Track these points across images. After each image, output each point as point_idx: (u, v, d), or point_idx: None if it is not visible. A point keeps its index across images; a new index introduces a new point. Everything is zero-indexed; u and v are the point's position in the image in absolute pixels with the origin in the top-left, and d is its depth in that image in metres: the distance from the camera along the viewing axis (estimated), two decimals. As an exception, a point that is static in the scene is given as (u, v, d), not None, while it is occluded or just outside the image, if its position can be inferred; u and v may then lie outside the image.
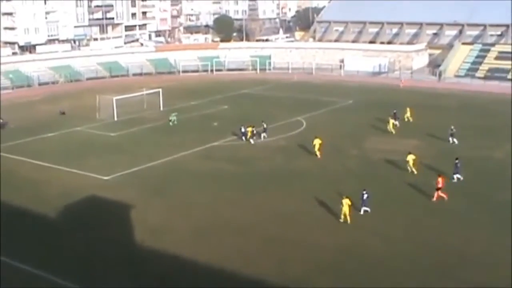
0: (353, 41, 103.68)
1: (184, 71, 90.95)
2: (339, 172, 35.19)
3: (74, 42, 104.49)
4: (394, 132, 44.52)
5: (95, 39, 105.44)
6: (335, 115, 53.45)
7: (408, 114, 49.78)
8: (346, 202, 26.82)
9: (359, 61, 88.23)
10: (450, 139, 40.57)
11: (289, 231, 26.43)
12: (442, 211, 28.28)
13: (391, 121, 44.87)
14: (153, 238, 25.73)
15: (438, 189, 29.29)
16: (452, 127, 41.17)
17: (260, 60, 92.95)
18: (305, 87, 73.91)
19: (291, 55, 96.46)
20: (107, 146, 42.58)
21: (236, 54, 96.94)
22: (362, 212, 27.69)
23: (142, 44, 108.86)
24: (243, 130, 42.91)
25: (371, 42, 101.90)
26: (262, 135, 43.61)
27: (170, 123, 51.08)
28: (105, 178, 34.40)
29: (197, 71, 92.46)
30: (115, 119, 52.40)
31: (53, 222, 27.53)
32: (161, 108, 57.73)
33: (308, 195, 30.91)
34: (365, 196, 27.73)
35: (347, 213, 26.74)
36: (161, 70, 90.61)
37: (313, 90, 71.06)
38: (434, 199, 29.26)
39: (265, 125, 44.05)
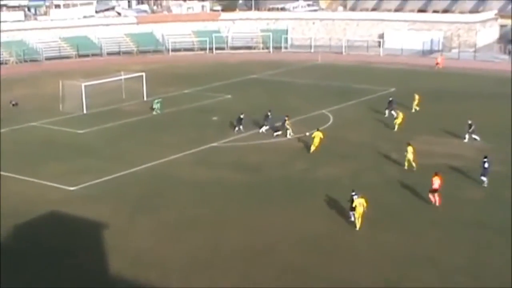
0: (396, 10, 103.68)
1: (174, 50, 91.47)
2: (376, 182, 35.03)
3: (29, 9, 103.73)
4: (396, 127, 45.30)
5: (57, 6, 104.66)
6: (371, 107, 53.39)
7: (416, 102, 51.33)
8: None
9: (404, 36, 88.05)
10: (467, 136, 42.40)
11: (312, 260, 26.25)
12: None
13: (400, 114, 45.60)
14: (134, 270, 25.48)
15: (433, 191, 31.21)
16: (470, 121, 42.64)
17: (273, 36, 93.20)
18: (333, 71, 73.95)
19: (314, 29, 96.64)
20: (74, 147, 42.68)
21: (242, 27, 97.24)
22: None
23: (119, 14, 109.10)
24: (238, 119, 44.55)
25: (420, 11, 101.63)
26: (262, 128, 44.59)
27: (154, 112, 52.08)
28: (71, 189, 34.42)
29: (191, 49, 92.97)
30: (84, 111, 52.64)
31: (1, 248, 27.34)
32: (145, 98, 58.07)
33: (336, 212, 30.81)
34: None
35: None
36: (144, 48, 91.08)
37: (342, 74, 71.05)
38: (433, 201, 31.28)
39: (269, 114, 45.15)
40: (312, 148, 40.29)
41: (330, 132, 45.30)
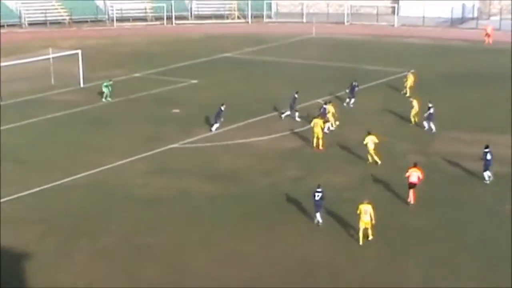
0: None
1: (121, 20, 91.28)
2: (389, 194, 34.95)
3: None
4: (413, 120, 45.83)
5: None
6: (384, 95, 53.48)
7: (409, 83, 53.22)
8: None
9: (425, 1, 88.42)
10: (426, 123, 44.81)
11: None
12: None
13: (414, 103, 46.06)
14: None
15: (411, 185, 33.52)
16: (430, 104, 44.68)
17: (253, 2, 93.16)
18: (331, 48, 74.13)
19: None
20: (-14, 150, 42.26)
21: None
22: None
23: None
24: (218, 111, 44.97)
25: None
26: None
27: (103, 99, 52.64)
28: (-18, 206, 33.93)
29: (144, 19, 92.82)
30: None
31: None
32: (81, 84, 57.97)
33: (337, 234, 30.72)
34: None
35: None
36: (80, 17, 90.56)
37: (344, 52, 71.21)
38: (409, 200, 33.63)
39: (296, 95, 47.47)
40: (315, 141, 40.97)
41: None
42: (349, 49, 73.21)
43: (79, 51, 59.17)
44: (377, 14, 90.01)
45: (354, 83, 51.81)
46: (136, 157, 40.85)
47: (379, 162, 38.82)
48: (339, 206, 33.27)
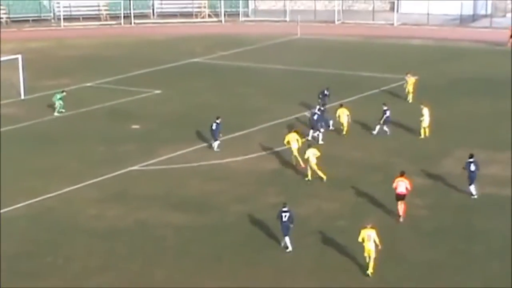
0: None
1: (69, 18, 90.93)
2: (390, 223, 35.10)
3: None
4: (422, 133, 46.89)
5: None
6: (380, 106, 53.56)
7: (410, 88, 55.03)
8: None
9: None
10: (378, 127, 47.93)
11: None
12: None
13: (424, 112, 46.90)
14: None
15: (399, 197, 34.95)
16: (385, 107, 47.67)
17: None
18: (320, 51, 74.30)
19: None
20: None
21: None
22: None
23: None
24: (214, 127, 45.51)
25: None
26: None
27: (55, 113, 52.82)
28: None
29: (97, 18, 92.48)
30: None
31: None
32: (22, 95, 57.86)
33: (329, 272, 30.73)
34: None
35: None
36: (20, 16, 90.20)
37: (335, 56, 71.44)
38: (398, 216, 35.17)
39: (326, 92, 50.85)
40: (311, 173, 40.46)
41: (317, 146, 45.25)
42: (341, 52, 73.44)
43: (20, 56, 58.97)
44: (373, 11, 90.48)
45: (325, 91, 52.66)
46: (88, 182, 40.67)
47: (324, 178, 39.91)
48: (330, 237, 33.27)
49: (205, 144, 46.20)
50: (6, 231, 34.89)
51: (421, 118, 46.64)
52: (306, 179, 40.23)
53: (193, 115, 52.13)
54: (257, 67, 67.03)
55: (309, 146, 40.52)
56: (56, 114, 53.16)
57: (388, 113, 47.44)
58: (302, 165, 40.89)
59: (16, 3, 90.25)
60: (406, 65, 63.53)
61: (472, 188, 37.66)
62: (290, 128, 46.36)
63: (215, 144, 45.66)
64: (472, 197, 37.62)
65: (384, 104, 48.25)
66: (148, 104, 55.65)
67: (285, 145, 41.87)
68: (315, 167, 39.88)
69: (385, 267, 30.62)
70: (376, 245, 29.88)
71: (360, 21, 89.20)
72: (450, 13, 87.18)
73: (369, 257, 29.95)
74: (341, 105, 41.86)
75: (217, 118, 45.81)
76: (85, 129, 50.05)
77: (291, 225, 32.26)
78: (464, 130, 48.37)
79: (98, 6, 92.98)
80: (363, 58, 70.28)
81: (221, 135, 45.79)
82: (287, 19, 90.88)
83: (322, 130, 46.61)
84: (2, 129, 49.85)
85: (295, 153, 41.26)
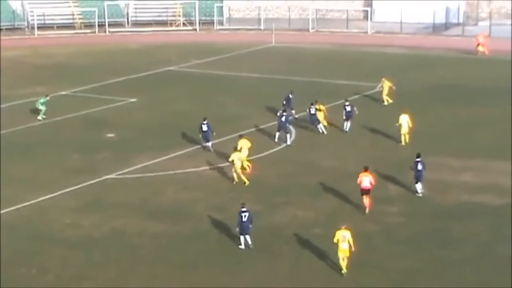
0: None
1: (43, 27, 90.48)
2: (367, 231, 35.10)
3: None
4: (403, 140, 46.97)
5: None
6: (358, 113, 53.69)
7: (386, 90, 56.05)
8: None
9: (405, 3, 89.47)
10: (345, 124, 50.01)
11: None
12: None
13: (402, 120, 46.86)
14: None
15: (363, 192, 36.64)
16: (347, 103, 49.94)
17: (201, 6, 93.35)
18: (294, 59, 74.38)
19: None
20: None
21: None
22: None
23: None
24: (205, 128, 46.32)
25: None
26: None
27: (39, 117, 53.02)
28: None
29: (71, 26, 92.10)
30: None
31: None
32: (-4, 104, 57.33)
33: (307, 279, 30.72)
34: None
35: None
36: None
37: (309, 64, 71.50)
38: (364, 208, 36.82)
39: (290, 95, 52.12)
40: (237, 177, 41.13)
41: (293, 154, 45.17)
42: (315, 60, 73.48)
43: (-7, 65, 58.48)
44: (347, 19, 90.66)
45: (289, 95, 52.93)
46: (63, 191, 40.48)
47: (247, 182, 40.60)
48: (306, 244, 33.29)
49: (179, 152, 45.96)
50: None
51: (397, 124, 46.70)
52: (234, 182, 41.05)
53: (168, 123, 51.93)
54: (232, 75, 66.95)
55: (240, 137, 42.04)
56: (39, 118, 53.17)
57: (348, 108, 49.66)
58: (247, 182, 40.90)
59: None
60: (380, 73, 63.60)
61: (418, 186, 38.94)
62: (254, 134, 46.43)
63: (210, 145, 46.16)
64: (417, 194, 38.87)
65: (346, 100, 50.67)
66: (123, 113, 55.41)
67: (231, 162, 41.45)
68: (239, 171, 40.73)
69: (361, 274, 30.67)
70: (350, 246, 30.30)
71: (334, 30, 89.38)
72: (423, 22, 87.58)
73: (343, 258, 30.41)
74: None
75: (204, 120, 46.21)
76: (60, 138, 49.80)
77: (250, 225, 32.97)
78: (437, 137, 48.51)
79: (72, 14, 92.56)
80: (338, 66, 70.39)
81: (214, 133, 46.43)
82: (262, 27, 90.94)
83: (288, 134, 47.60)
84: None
85: (238, 170, 41.08)
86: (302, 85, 62.09)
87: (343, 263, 30.49)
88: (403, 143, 46.71)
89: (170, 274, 31.37)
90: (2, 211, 37.66)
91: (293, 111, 51.92)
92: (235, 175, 40.95)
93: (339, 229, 30.75)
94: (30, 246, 34.10)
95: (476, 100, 57.03)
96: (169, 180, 42.22)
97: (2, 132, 50.91)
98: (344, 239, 30.43)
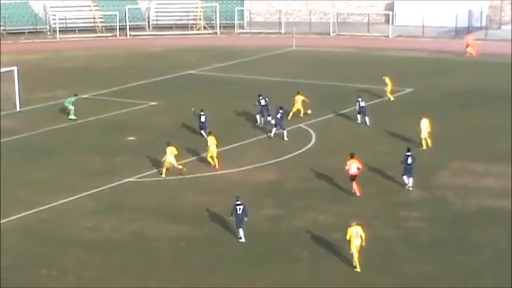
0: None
1: (64, 30, 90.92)
2: (388, 237, 35.00)
3: None
4: (424, 144, 46.79)
5: None
6: (376, 118, 53.56)
7: (390, 87, 58.74)
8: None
9: (426, 7, 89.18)
10: (359, 117, 52.61)
11: None
12: None
13: (424, 123, 47.08)
14: None
15: (352, 177, 39.10)
16: (360, 98, 52.67)
17: (222, 8, 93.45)
18: (315, 63, 74.28)
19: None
20: None
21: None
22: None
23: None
24: (203, 119, 49.63)
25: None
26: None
27: (71, 117, 54.33)
28: None
29: (92, 30, 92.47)
30: None
31: None
32: (18, 108, 57.68)
33: (332, 279, 30.60)
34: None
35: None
36: (16, 28, 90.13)
37: (330, 68, 71.42)
38: (353, 192, 39.29)
39: (264, 99, 52.39)
40: (210, 159, 43.80)
41: (312, 158, 45.14)
42: (336, 64, 73.31)
43: (15, 68, 58.73)
44: (368, 23, 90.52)
45: (264, 98, 53.02)
46: (83, 194, 40.54)
47: (164, 176, 42.65)
48: (326, 249, 33.29)
49: (198, 156, 46.01)
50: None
51: (417, 128, 46.65)
52: (161, 177, 42.86)
53: (188, 126, 51.94)
54: (252, 79, 66.90)
55: (168, 144, 42.96)
56: (71, 117, 54.36)
57: (362, 103, 52.13)
58: (213, 164, 43.62)
59: (11, 14, 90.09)
60: (401, 77, 63.59)
61: (406, 179, 40.28)
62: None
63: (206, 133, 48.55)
64: (406, 187, 40.11)
65: (359, 96, 52.88)
66: (144, 116, 55.50)
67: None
68: (173, 164, 42.61)
69: (381, 279, 30.59)
70: (362, 240, 30.99)
71: (355, 33, 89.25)
72: (445, 25, 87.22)
73: (356, 254, 30.83)
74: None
75: (202, 111, 49.45)
76: (81, 141, 49.91)
77: (246, 218, 33.82)
78: (458, 143, 48.22)
79: (94, 18, 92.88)
80: (359, 70, 70.20)
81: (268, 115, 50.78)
82: (283, 31, 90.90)
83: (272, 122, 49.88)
84: (-3, 141, 49.80)
85: (213, 154, 43.59)
86: (322, 89, 62.08)
87: (357, 260, 31.01)
88: (424, 147, 46.50)
89: (189, 278, 31.38)
90: (22, 214, 37.84)
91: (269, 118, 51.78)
92: (164, 170, 42.87)
93: (351, 225, 31.43)
94: (50, 249, 34.22)
95: (497, 105, 56.61)
96: (188, 183, 42.26)
97: (23, 135, 51.18)
98: (357, 235, 31.08)
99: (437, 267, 31.85)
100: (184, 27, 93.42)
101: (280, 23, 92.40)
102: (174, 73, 69.94)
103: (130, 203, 39.46)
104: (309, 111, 53.44)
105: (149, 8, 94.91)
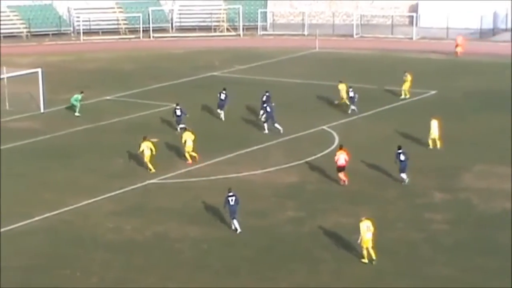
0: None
1: (88, 32, 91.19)
2: (413, 239, 34.92)
3: None
4: (431, 143, 47.22)
5: None
6: (398, 121, 53.53)
7: (407, 86, 60.38)
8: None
9: (451, 8, 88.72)
10: (353, 107, 55.67)
11: None
12: None
13: (433, 125, 47.46)
14: None
15: (340, 168, 41.00)
16: (351, 89, 56.17)
17: (245, 10, 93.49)
18: (338, 65, 74.11)
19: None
20: None
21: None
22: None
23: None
24: (223, 97, 54.17)
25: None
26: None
27: (76, 113, 55.32)
28: None
29: (116, 32, 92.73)
30: None
31: None
32: (42, 109, 57.96)
33: (348, 284, 30.62)
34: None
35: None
36: (40, 30, 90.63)
37: (353, 70, 71.24)
38: (343, 182, 41.21)
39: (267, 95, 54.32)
40: (187, 154, 45.42)
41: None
42: (359, 66, 73.13)
43: (39, 70, 59.01)
44: (391, 25, 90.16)
45: (266, 93, 54.49)
46: (106, 195, 40.69)
47: (152, 171, 43.61)
48: (348, 251, 33.33)
49: (221, 158, 46.14)
50: (23, 244, 35.03)
51: (430, 131, 46.98)
52: (151, 172, 43.77)
53: (211, 128, 52.05)
54: (275, 80, 66.84)
55: (143, 139, 44.40)
56: (76, 114, 55.43)
57: (351, 93, 55.74)
58: (190, 160, 45.10)
59: (35, 16, 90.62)
60: (425, 79, 63.45)
61: (404, 176, 41.34)
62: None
63: (222, 114, 52.97)
64: (403, 183, 41.22)
65: (350, 87, 56.36)
66: (166, 118, 55.60)
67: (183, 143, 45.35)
68: (147, 160, 43.85)
69: (403, 282, 30.59)
70: (373, 234, 31.72)
71: (379, 35, 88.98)
72: (470, 27, 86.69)
73: (368, 248, 31.75)
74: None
75: (177, 105, 51.69)
76: (103, 142, 50.09)
77: (238, 206, 35.49)
78: (481, 145, 48.04)
79: (117, 20, 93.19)
80: (382, 72, 70.00)
81: (188, 116, 51.54)
82: (306, 33, 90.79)
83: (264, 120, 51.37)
84: (21, 142, 49.97)
85: (189, 150, 44.98)
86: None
87: (371, 251, 31.77)
88: (431, 146, 47.06)
89: (210, 279, 31.47)
90: (46, 215, 38.04)
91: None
92: (149, 164, 43.91)
93: (361, 220, 32.14)
94: (74, 250, 34.40)
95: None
96: (211, 185, 42.34)
97: (46, 136, 51.45)
98: (369, 229, 31.68)
99: (460, 269, 31.80)
100: (207, 29, 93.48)
101: (303, 25, 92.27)
102: (197, 75, 70.03)
103: (153, 205, 39.58)
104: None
105: (172, 10, 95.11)
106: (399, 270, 31.30)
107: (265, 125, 50.96)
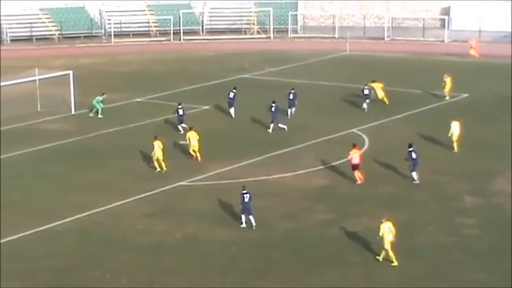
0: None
1: (120, 35, 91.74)
2: (444, 243, 34.75)
3: None
4: (456, 146, 46.84)
5: None
6: (429, 124, 53.25)
7: (447, 87, 60.42)
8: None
9: (484, 10, 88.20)
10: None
11: None
12: None
13: (454, 126, 47.37)
14: None
15: (355, 167, 41.53)
16: (366, 87, 57.43)
17: (275, 13, 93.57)
18: (368, 68, 73.90)
19: (340, 1, 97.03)
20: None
21: (225, 1, 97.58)
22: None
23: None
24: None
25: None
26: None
27: (90, 114, 55.68)
28: None
29: (147, 34, 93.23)
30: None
31: None
32: (73, 111, 58.29)
33: (383, 282, 30.42)
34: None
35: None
36: (72, 32, 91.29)
37: (383, 73, 70.89)
38: (359, 181, 41.52)
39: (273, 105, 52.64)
40: (192, 153, 46.20)
41: (365, 163, 44.93)
42: (390, 69, 72.88)
43: (71, 72, 59.32)
44: (423, 28, 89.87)
45: (292, 91, 56.39)
46: (136, 197, 40.85)
47: (161, 170, 44.26)
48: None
49: (251, 160, 46.13)
50: (54, 245, 35.24)
51: (450, 133, 46.91)
52: (157, 171, 44.45)
53: (241, 131, 52.11)
54: (305, 83, 66.80)
55: (190, 129, 46.60)
56: (91, 115, 56.38)
57: (366, 91, 56.92)
58: (195, 156, 46.01)
59: (67, 19, 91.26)
60: (456, 82, 62.94)
61: (414, 175, 41.69)
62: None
63: (232, 112, 54.96)
64: (414, 182, 41.63)
65: (366, 85, 57.51)
66: (197, 120, 55.59)
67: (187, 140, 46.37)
68: (161, 159, 44.37)
69: (431, 285, 30.50)
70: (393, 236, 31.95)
71: (410, 38, 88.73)
72: (502, 30, 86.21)
73: (389, 249, 31.78)
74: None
75: (179, 104, 52.69)
76: (134, 144, 50.13)
77: (251, 203, 36.26)
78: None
79: (148, 22, 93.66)
80: (413, 75, 69.76)
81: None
82: (336, 35, 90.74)
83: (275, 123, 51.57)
84: (52, 144, 50.27)
85: (195, 148, 45.83)
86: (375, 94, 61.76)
87: (391, 254, 31.80)
88: (456, 150, 46.84)
89: (240, 281, 31.50)
90: (76, 216, 38.25)
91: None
92: (157, 164, 44.42)
93: (381, 222, 32.27)
94: (104, 251, 34.59)
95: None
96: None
97: (77, 138, 51.73)
98: (389, 230, 31.98)
99: (491, 275, 31.57)
100: (238, 31, 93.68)
101: (334, 28, 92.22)
102: (227, 77, 70.09)
103: (182, 207, 39.70)
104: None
105: (203, 12, 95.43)
106: (429, 274, 31.12)
107: (271, 125, 51.66)
